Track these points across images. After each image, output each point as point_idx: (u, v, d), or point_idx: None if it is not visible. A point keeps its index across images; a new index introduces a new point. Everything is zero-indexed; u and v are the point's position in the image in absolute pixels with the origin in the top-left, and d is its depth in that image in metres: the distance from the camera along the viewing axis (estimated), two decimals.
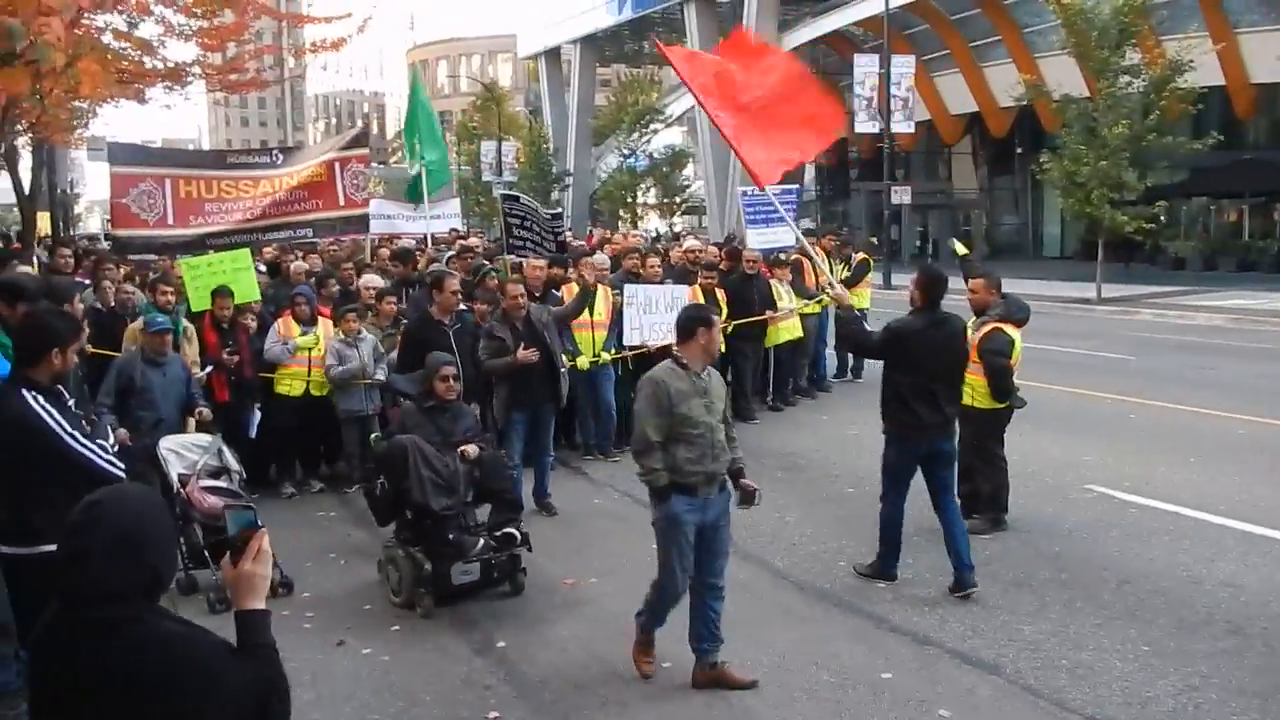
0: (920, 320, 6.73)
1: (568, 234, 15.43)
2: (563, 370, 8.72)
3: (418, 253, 13.48)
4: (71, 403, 4.08)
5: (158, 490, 6.91)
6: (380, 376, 9.34)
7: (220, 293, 9.11)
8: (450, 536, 6.37)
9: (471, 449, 6.76)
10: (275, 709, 2.56)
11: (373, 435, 7.96)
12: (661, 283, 11.09)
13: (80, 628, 2.42)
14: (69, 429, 3.80)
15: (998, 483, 7.97)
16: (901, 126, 32.82)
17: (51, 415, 3.92)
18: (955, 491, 7.01)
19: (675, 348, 5.46)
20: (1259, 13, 30.62)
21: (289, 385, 9.31)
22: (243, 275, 9.61)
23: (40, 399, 3.93)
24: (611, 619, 6.37)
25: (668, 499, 5.24)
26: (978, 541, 7.46)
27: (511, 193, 14.32)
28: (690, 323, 5.44)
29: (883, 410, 6.85)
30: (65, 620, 2.45)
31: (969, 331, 7.24)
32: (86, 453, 3.65)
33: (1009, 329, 7.80)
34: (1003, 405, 7.83)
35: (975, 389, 7.70)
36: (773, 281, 12.27)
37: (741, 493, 5.58)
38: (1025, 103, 30.97)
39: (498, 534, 6.55)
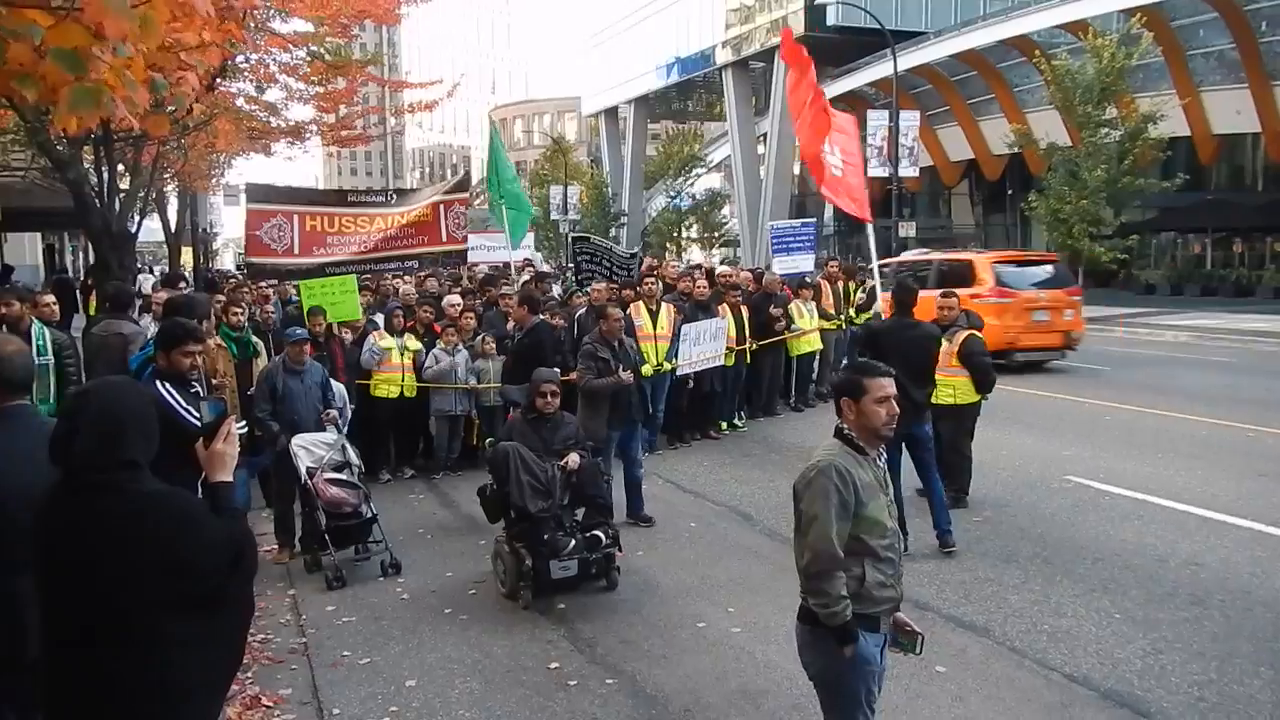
0: (889, 324, 7.32)
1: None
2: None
3: (502, 279, 13.53)
4: (195, 390, 4.38)
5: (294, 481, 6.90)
6: (473, 381, 9.48)
7: (314, 312, 8.91)
8: (545, 536, 6.08)
9: (573, 459, 6.36)
10: (247, 559, 2.59)
11: (486, 440, 7.49)
12: (705, 301, 11.01)
13: (83, 491, 2.41)
14: (183, 405, 4.08)
15: (961, 468, 7.94)
16: (908, 171, 32.40)
17: (170, 394, 4.18)
18: (935, 469, 6.99)
19: (843, 422, 3.37)
20: (1220, 74, 30.25)
21: (385, 389, 9.36)
22: (349, 297, 9.61)
23: (165, 385, 4.23)
24: (654, 587, 6.37)
25: (854, 637, 3.22)
26: (970, 523, 7.38)
27: (582, 234, 14.25)
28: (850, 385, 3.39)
29: None
30: (68, 487, 2.43)
31: (941, 339, 7.41)
32: (191, 420, 3.90)
33: (979, 334, 7.88)
34: (982, 398, 7.81)
35: (956, 388, 7.66)
36: (796, 302, 12.21)
37: (900, 631, 3.46)
38: (1015, 150, 30.56)
39: (587, 535, 6.21)
